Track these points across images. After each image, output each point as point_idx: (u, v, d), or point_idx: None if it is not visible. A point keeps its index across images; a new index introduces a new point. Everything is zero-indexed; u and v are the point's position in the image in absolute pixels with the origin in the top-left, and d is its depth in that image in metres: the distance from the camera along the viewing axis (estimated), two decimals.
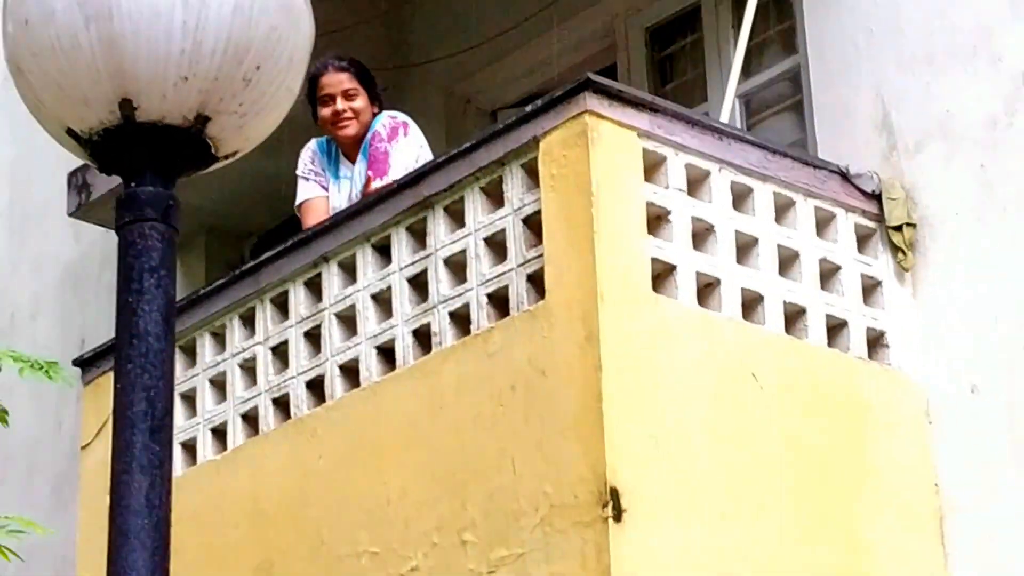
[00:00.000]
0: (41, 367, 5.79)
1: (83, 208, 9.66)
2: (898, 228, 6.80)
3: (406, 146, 7.41)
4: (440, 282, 6.53)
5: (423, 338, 6.57)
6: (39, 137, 11.28)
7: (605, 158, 6.11)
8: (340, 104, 7.49)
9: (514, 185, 6.35)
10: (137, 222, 4.06)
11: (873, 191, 6.83)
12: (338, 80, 7.52)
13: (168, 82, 3.95)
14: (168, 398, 3.96)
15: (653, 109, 6.32)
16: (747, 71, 7.79)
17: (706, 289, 6.30)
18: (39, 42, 3.99)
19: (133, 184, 4.10)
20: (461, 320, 6.45)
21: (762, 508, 6.12)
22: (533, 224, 6.26)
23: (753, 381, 6.26)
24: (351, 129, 7.51)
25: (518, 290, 6.25)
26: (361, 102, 7.51)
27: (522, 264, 6.26)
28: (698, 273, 6.27)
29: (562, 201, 6.12)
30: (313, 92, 7.55)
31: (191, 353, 7.48)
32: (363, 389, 6.70)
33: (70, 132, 4.11)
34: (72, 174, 9.71)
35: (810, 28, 7.39)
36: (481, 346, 6.28)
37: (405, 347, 6.60)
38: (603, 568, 5.66)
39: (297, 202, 7.65)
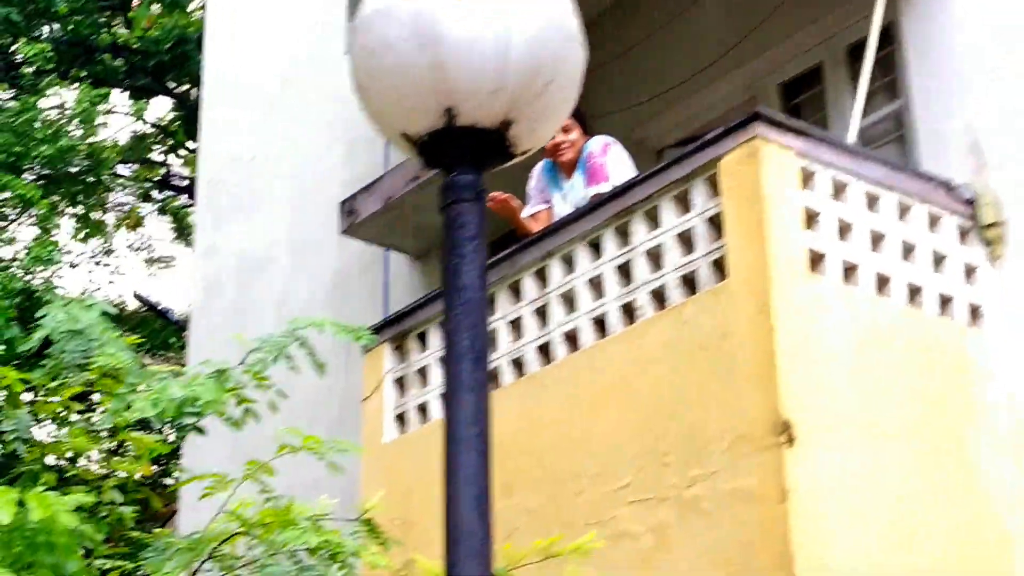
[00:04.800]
0: (351, 331, 5.62)
1: (352, 228, 9.55)
2: (989, 227, 6.52)
3: (616, 157, 7.21)
4: (641, 269, 6.32)
5: (629, 313, 6.36)
6: (310, 177, 11.26)
7: (771, 172, 5.87)
8: (559, 136, 7.30)
9: (698, 194, 6.13)
10: (457, 203, 3.87)
11: (970, 198, 6.55)
12: None
13: (482, 94, 3.76)
14: (484, 336, 3.78)
15: (806, 135, 6.08)
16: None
17: (848, 272, 6.04)
18: (381, 66, 3.82)
19: (453, 174, 3.92)
20: (659, 298, 6.23)
21: (894, 435, 5.83)
22: (713, 224, 6.04)
23: (885, 342, 6.00)
24: (568, 155, 7.32)
25: (705, 274, 6.03)
26: (575, 134, 7.31)
27: (706, 254, 6.03)
28: (843, 260, 6.03)
29: (738, 204, 5.89)
30: None
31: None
32: (581, 352, 6.49)
33: (403, 136, 3.94)
34: (343, 202, 9.60)
35: (912, 73, 7.12)
36: (676, 316, 6.06)
37: (615, 319, 6.40)
38: (780, 482, 5.41)
39: (524, 214, 7.46)
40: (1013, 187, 6.56)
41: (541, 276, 6.80)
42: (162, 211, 23.92)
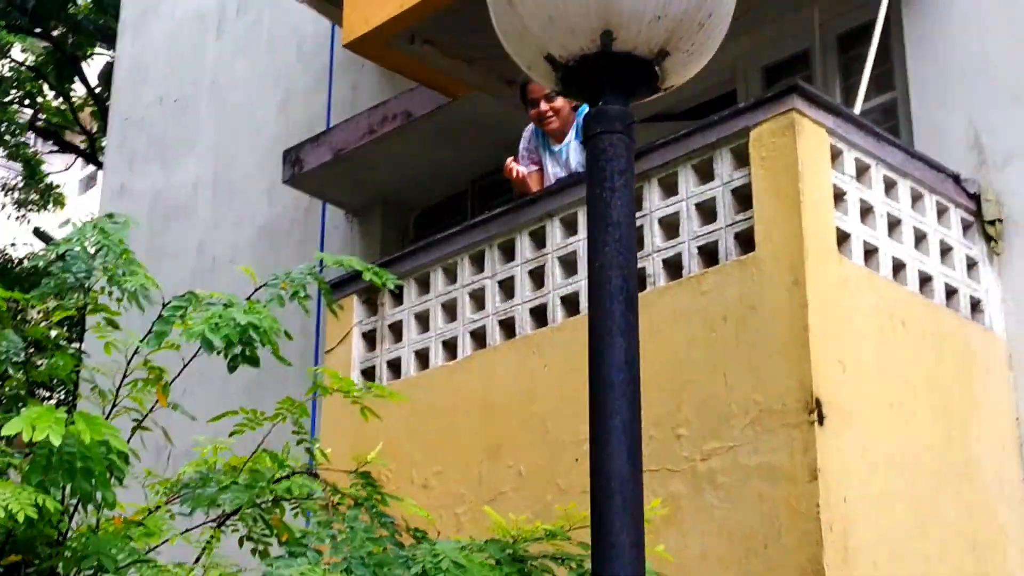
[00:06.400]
0: (379, 274, 5.25)
1: (296, 178, 9.10)
2: (991, 223, 6.43)
3: None
4: (655, 236, 6.06)
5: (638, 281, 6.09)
6: (241, 124, 10.71)
7: (806, 146, 5.67)
8: (543, 106, 7.02)
9: (723, 164, 5.90)
10: (606, 133, 3.55)
11: (975, 193, 6.45)
12: (540, 87, 6.99)
13: (645, 19, 3.46)
14: (635, 276, 3.48)
15: (838, 113, 5.89)
16: (847, 103, 7.39)
17: (867, 254, 5.88)
18: None
19: (600, 103, 3.60)
20: (673, 268, 5.99)
21: (912, 419, 5.68)
22: (738, 195, 5.82)
23: (901, 327, 5.85)
24: (554, 124, 7.04)
25: (727, 245, 5.80)
26: (560, 101, 7.02)
27: (730, 225, 5.80)
28: (864, 242, 5.86)
29: (771, 176, 5.67)
30: (524, 96, 7.11)
31: (424, 284, 6.95)
32: (582, 316, 6.21)
33: (547, 58, 3.60)
34: (287, 151, 9.14)
35: (912, 67, 6.99)
36: (695, 286, 5.81)
37: None
38: (810, 460, 5.20)
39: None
40: (1016, 185, 6.48)
41: (538, 237, 6.50)
42: (13, 157, 22.83)
